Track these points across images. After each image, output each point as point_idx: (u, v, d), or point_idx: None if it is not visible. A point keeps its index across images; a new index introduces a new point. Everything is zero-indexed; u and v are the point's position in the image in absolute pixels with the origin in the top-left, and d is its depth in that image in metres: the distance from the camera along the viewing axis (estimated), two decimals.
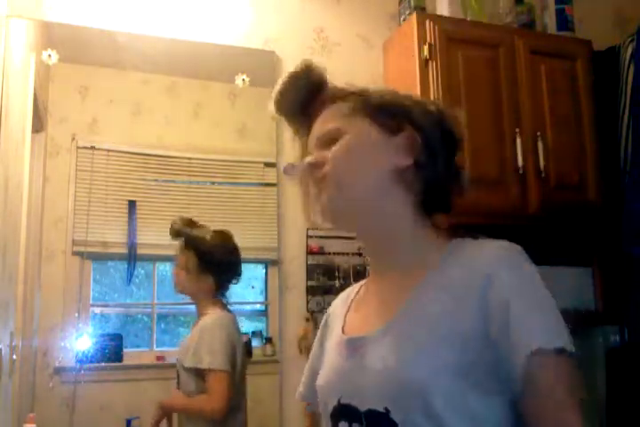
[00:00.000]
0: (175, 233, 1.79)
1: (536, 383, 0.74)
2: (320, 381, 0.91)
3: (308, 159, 0.88)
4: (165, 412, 1.69)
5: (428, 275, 0.84)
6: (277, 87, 0.94)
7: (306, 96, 0.93)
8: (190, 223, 1.81)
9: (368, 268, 1.00)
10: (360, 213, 0.88)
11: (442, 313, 0.78)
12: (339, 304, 1.01)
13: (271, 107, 0.95)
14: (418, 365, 0.76)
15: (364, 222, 0.89)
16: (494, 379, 0.75)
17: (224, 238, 1.82)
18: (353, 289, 1.01)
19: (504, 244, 0.83)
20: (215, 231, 1.82)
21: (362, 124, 0.88)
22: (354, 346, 0.85)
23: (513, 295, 0.76)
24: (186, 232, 1.79)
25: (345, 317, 0.94)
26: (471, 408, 0.75)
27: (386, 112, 0.89)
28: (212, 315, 1.76)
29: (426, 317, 0.80)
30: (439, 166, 0.89)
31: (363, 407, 0.80)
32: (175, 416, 1.71)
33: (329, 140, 0.88)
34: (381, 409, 0.77)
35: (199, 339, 1.70)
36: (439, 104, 0.94)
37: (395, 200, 0.88)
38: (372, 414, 0.79)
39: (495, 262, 0.80)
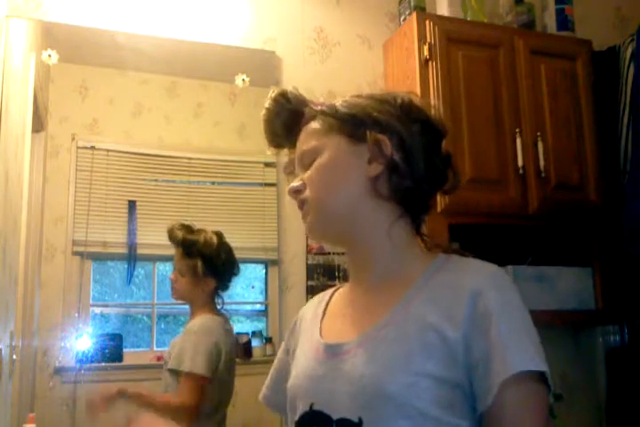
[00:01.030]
0: (179, 241, 1.79)
1: (505, 407, 0.73)
2: (291, 384, 0.89)
3: (290, 185, 0.92)
4: (138, 401, 1.65)
5: (414, 287, 0.84)
6: (263, 125, 0.97)
7: (290, 124, 0.95)
8: (188, 229, 1.81)
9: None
10: (342, 229, 0.90)
11: (425, 326, 0.78)
12: (310, 309, 0.99)
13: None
14: (395, 375, 0.76)
15: (347, 237, 0.91)
16: (467, 399, 0.75)
17: (221, 239, 1.83)
18: (324, 295, 1.00)
19: (491, 265, 0.84)
20: (214, 232, 1.82)
21: (333, 139, 0.89)
22: (332, 352, 0.84)
23: (497, 316, 0.76)
24: (189, 239, 1.79)
25: (320, 322, 0.93)
26: (442, 422, 0.75)
27: (352, 122, 0.89)
28: (201, 318, 1.77)
29: (408, 328, 0.79)
30: (418, 165, 0.88)
31: (335, 416, 0.78)
32: None
33: (307, 163, 0.91)
34: (355, 419, 0.76)
35: (183, 342, 1.71)
36: (410, 96, 0.93)
37: (372, 210, 0.88)
38: (344, 423, 0.77)
39: (482, 281, 0.80)
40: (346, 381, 0.79)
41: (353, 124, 0.89)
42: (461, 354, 0.75)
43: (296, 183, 0.91)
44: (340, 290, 0.99)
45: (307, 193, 0.90)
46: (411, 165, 0.88)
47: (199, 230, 1.81)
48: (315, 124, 0.92)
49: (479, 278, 0.80)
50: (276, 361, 1.03)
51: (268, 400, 1.00)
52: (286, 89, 0.96)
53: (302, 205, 0.91)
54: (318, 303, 0.99)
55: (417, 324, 0.79)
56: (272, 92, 0.96)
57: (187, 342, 1.71)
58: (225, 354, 1.72)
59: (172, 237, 1.79)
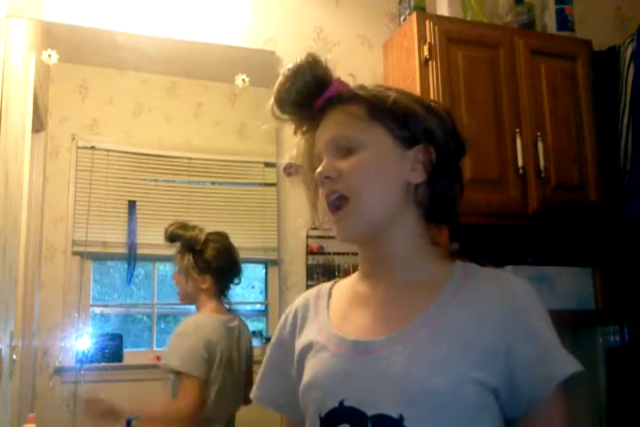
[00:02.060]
0: (170, 237, 1.78)
1: (546, 409, 0.80)
2: (311, 381, 0.86)
3: (322, 170, 0.87)
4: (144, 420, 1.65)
5: (445, 290, 0.85)
6: (280, 79, 0.91)
7: (310, 91, 0.90)
8: (184, 226, 1.80)
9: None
10: (375, 232, 0.88)
11: (464, 329, 0.80)
12: (308, 305, 0.96)
13: (271, 103, 0.92)
14: (440, 375, 0.77)
15: (378, 238, 0.89)
16: (498, 402, 0.80)
17: (219, 239, 1.82)
18: (321, 290, 0.98)
19: (524, 280, 0.88)
20: (211, 232, 1.81)
21: (378, 135, 0.87)
22: (362, 349, 0.83)
23: (538, 324, 0.82)
24: (180, 235, 1.78)
25: (328, 317, 0.91)
26: (476, 422, 0.78)
27: (401, 122, 0.87)
28: (195, 315, 1.77)
29: (447, 330, 0.80)
30: (451, 179, 0.89)
31: (370, 412, 0.78)
32: None
33: (343, 149, 0.87)
34: (395, 415, 0.76)
35: (171, 340, 1.72)
36: (446, 108, 0.94)
37: (406, 216, 0.88)
38: (381, 419, 0.77)
39: (528, 298, 0.84)
40: (384, 378, 0.79)
41: (403, 124, 0.87)
42: (502, 359, 0.79)
43: (329, 171, 0.86)
44: (341, 285, 0.97)
45: (343, 187, 0.85)
46: (446, 178, 0.89)
47: (193, 227, 1.80)
48: (354, 109, 0.88)
49: (521, 291, 0.84)
50: (266, 358, 0.99)
51: (261, 400, 0.97)
52: (320, 58, 0.91)
53: (337, 202, 0.86)
54: (316, 298, 0.96)
55: (457, 328, 0.80)
56: (305, 55, 0.91)
57: (173, 341, 1.72)
58: (221, 353, 1.70)
59: (165, 234, 1.79)
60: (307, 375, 0.87)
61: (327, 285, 0.99)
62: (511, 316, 0.81)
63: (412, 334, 0.81)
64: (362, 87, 0.92)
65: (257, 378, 0.99)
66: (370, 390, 0.79)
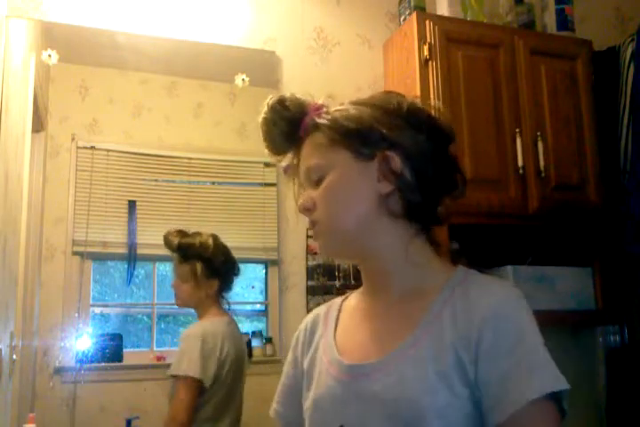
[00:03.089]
0: (174, 247, 1.79)
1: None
2: (314, 405, 0.87)
3: (301, 203, 0.90)
4: None
5: (435, 304, 0.84)
6: (261, 133, 0.94)
7: (290, 130, 0.92)
8: (183, 234, 1.81)
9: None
10: (356, 248, 0.89)
11: (447, 344, 0.79)
12: (319, 321, 0.97)
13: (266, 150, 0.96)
14: (431, 396, 0.76)
15: (363, 255, 0.90)
16: (481, 415, 0.77)
17: (217, 241, 1.83)
18: (332, 305, 0.99)
19: (513, 289, 0.84)
20: (207, 236, 1.82)
21: (340, 155, 0.88)
22: (356, 372, 0.83)
23: (518, 342, 0.77)
24: (190, 243, 1.79)
25: (334, 337, 0.92)
26: None
27: (358, 138, 0.87)
28: (203, 321, 1.79)
29: (434, 348, 0.79)
30: (426, 178, 0.87)
31: None
32: None
33: (316, 178, 0.89)
34: None
35: (180, 348, 1.72)
36: (414, 102, 0.91)
37: (386, 229, 0.87)
38: None
39: (501, 308, 0.80)
40: (378, 402, 0.79)
41: (359, 140, 0.87)
42: (472, 375, 0.77)
43: (306, 202, 0.90)
44: (351, 300, 0.97)
45: (317, 214, 0.88)
46: (420, 178, 0.87)
47: (194, 233, 1.81)
48: (318, 138, 0.89)
49: (495, 301, 0.81)
50: (284, 375, 1.00)
51: (282, 416, 0.98)
52: (285, 96, 0.93)
53: (313, 225, 0.90)
54: (327, 314, 0.97)
55: (441, 344, 0.79)
56: (269, 100, 0.93)
57: (182, 348, 1.72)
58: (230, 357, 1.71)
59: (167, 243, 1.80)
60: (310, 396, 0.89)
61: (339, 299, 1.00)
62: (479, 332, 0.78)
63: (402, 355, 0.81)
64: (328, 113, 0.91)
65: (276, 395, 1.00)
66: (366, 415, 0.80)
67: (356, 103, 0.91)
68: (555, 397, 0.75)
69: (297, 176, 0.95)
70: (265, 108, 0.93)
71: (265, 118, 0.93)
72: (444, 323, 0.81)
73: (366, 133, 0.87)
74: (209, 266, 1.79)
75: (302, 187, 0.94)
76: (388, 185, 0.86)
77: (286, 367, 1.00)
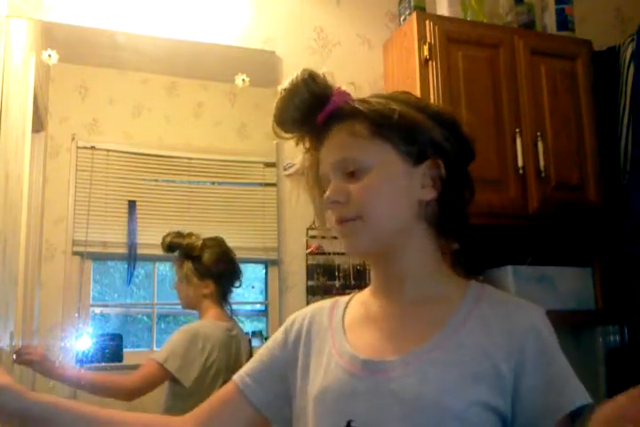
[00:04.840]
0: (169, 247, 1.80)
1: None
2: (319, 397, 0.84)
3: (329, 193, 0.85)
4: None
5: (458, 312, 0.84)
6: (277, 98, 0.88)
7: (309, 108, 0.87)
8: (180, 235, 1.81)
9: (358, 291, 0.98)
10: (385, 250, 0.87)
11: (478, 354, 0.79)
12: (323, 315, 0.94)
13: (272, 122, 0.90)
14: (451, 399, 0.76)
15: (389, 255, 0.88)
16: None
17: (216, 244, 1.83)
18: (337, 303, 0.96)
19: (537, 305, 0.87)
20: (207, 238, 1.83)
21: (384, 153, 0.84)
22: (372, 369, 0.81)
23: (553, 352, 0.81)
24: (178, 243, 1.80)
25: (344, 333, 0.89)
26: None
27: (407, 138, 0.84)
28: (196, 322, 1.80)
29: (460, 354, 0.79)
30: (462, 191, 0.88)
31: None
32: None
33: (349, 171, 0.84)
34: None
35: (169, 339, 1.75)
36: (451, 113, 0.91)
37: (419, 233, 0.87)
38: None
39: (536, 318, 0.83)
40: (395, 400, 0.77)
41: (408, 139, 0.84)
42: (510, 384, 0.77)
43: (338, 195, 0.84)
44: (359, 299, 0.95)
45: (353, 210, 0.84)
46: (458, 190, 0.87)
47: (189, 234, 1.82)
48: (356, 127, 0.85)
49: (533, 315, 0.84)
50: (266, 352, 0.95)
51: (249, 390, 0.91)
52: (315, 71, 0.88)
53: (345, 221, 0.85)
54: (332, 309, 0.94)
55: (469, 351, 0.79)
56: (299, 72, 0.87)
57: (170, 338, 1.75)
58: (218, 362, 1.71)
59: (162, 244, 1.80)
60: (315, 387, 0.85)
61: (345, 297, 0.97)
62: (522, 343, 0.79)
63: (424, 356, 0.80)
64: (364, 101, 0.87)
65: (249, 366, 0.94)
66: (379, 412, 0.78)
67: (390, 98, 0.87)
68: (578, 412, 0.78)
69: (313, 164, 0.90)
70: (291, 79, 0.87)
71: (289, 89, 0.86)
72: (474, 330, 0.81)
73: (418, 135, 0.84)
74: (199, 266, 1.79)
75: (323, 175, 0.88)
76: (431, 192, 0.85)
77: (271, 345, 0.96)
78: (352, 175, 0.84)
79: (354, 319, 0.91)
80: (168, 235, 1.80)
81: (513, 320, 0.81)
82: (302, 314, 0.97)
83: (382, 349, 0.83)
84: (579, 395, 0.77)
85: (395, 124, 0.83)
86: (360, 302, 0.94)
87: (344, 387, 0.82)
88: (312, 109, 0.87)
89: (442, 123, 0.87)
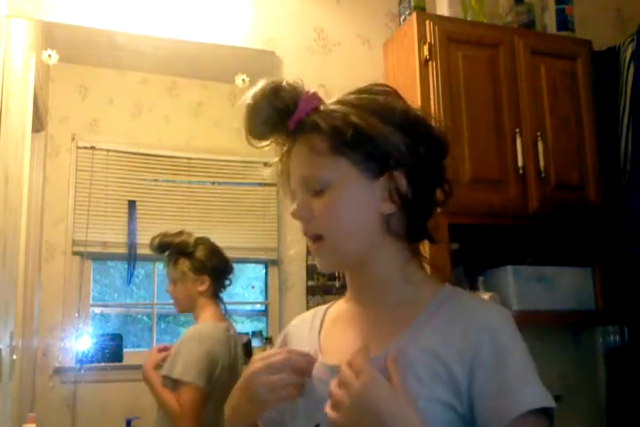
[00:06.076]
0: (160, 247, 1.79)
1: None
2: (291, 404, 0.87)
3: (295, 209, 0.87)
4: (144, 376, 1.68)
5: (422, 315, 0.84)
6: (244, 112, 0.88)
7: (276, 119, 0.87)
8: (168, 234, 1.80)
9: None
10: (354, 265, 0.89)
11: (434, 357, 0.79)
12: (302, 327, 0.98)
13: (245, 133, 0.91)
14: (415, 394, 0.76)
15: (360, 267, 0.89)
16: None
17: (205, 240, 1.83)
18: (319, 310, 1.00)
19: (504, 308, 0.86)
20: (196, 237, 1.82)
21: (344, 169, 0.84)
22: (335, 374, 0.82)
23: (509, 354, 0.79)
24: (169, 242, 1.79)
25: (318, 338, 0.92)
26: None
27: (364, 153, 0.84)
28: (199, 324, 1.78)
29: (417, 357, 0.80)
30: (426, 195, 0.87)
31: None
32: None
33: (314, 189, 0.86)
34: None
35: (177, 349, 1.70)
36: (418, 112, 0.89)
37: (387, 245, 0.87)
38: None
39: (498, 322, 0.82)
40: None
41: (366, 154, 0.84)
42: (464, 386, 0.77)
43: (303, 211, 0.86)
44: (336, 306, 0.98)
45: (318, 228, 0.86)
46: (420, 196, 0.86)
47: (178, 233, 1.80)
48: (317, 142, 0.85)
49: (493, 316, 0.83)
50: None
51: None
52: (280, 85, 0.87)
53: (313, 239, 0.87)
54: (313, 317, 0.98)
55: (426, 354, 0.80)
56: (264, 84, 0.87)
57: (180, 350, 1.70)
58: (223, 362, 1.71)
59: (151, 245, 1.79)
60: None
61: (324, 306, 1.00)
62: (476, 343, 0.79)
63: (383, 360, 0.80)
64: (325, 113, 0.86)
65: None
66: None
67: (355, 106, 0.86)
68: (546, 413, 0.77)
69: (285, 173, 0.91)
70: (254, 93, 0.87)
71: (252, 106, 0.87)
72: (435, 330, 0.82)
73: (375, 149, 0.84)
74: (194, 262, 1.79)
75: (292, 189, 0.90)
76: (392, 205, 0.85)
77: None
78: (315, 191, 0.86)
79: (330, 326, 0.94)
80: (156, 236, 1.79)
81: (471, 319, 0.81)
82: (290, 326, 1.02)
83: (345, 353, 0.84)
84: (530, 399, 0.76)
85: (351, 142, 0.83)
86: (338, 310, 0.97)
87: (312, 393, 0.84)
88: (278, 122, 0.87)
89: (406, 128, 0.86)
